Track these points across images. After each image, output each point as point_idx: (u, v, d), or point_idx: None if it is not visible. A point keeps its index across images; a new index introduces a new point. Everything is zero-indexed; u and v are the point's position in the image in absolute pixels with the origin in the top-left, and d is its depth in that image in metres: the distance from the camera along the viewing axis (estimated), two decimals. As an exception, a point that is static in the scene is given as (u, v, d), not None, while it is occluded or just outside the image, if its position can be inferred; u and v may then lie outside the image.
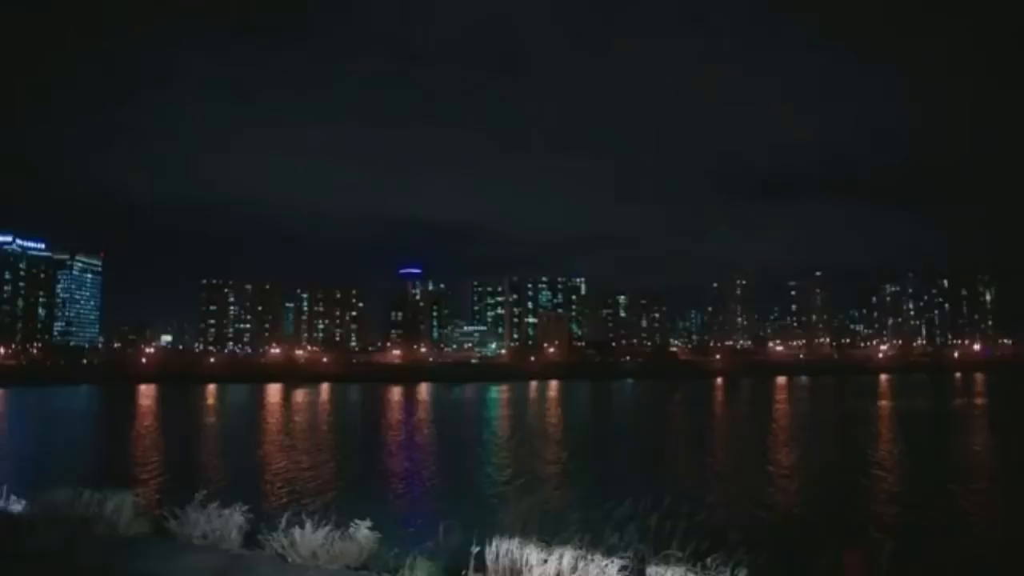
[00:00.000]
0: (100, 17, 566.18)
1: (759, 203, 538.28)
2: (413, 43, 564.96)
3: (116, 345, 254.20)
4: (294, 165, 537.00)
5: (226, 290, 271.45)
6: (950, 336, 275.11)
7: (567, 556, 9.67)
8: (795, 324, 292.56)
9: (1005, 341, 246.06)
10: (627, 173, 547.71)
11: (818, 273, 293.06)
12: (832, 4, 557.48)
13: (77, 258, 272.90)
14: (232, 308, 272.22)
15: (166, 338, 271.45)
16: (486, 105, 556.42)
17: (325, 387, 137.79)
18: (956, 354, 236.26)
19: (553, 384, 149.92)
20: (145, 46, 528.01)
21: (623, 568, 9.26)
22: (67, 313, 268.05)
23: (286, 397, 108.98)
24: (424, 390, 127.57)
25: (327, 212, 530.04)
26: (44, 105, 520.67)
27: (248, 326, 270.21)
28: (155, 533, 14.44)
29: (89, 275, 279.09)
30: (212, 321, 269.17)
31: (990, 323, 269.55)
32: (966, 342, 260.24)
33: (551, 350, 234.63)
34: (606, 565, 9.33)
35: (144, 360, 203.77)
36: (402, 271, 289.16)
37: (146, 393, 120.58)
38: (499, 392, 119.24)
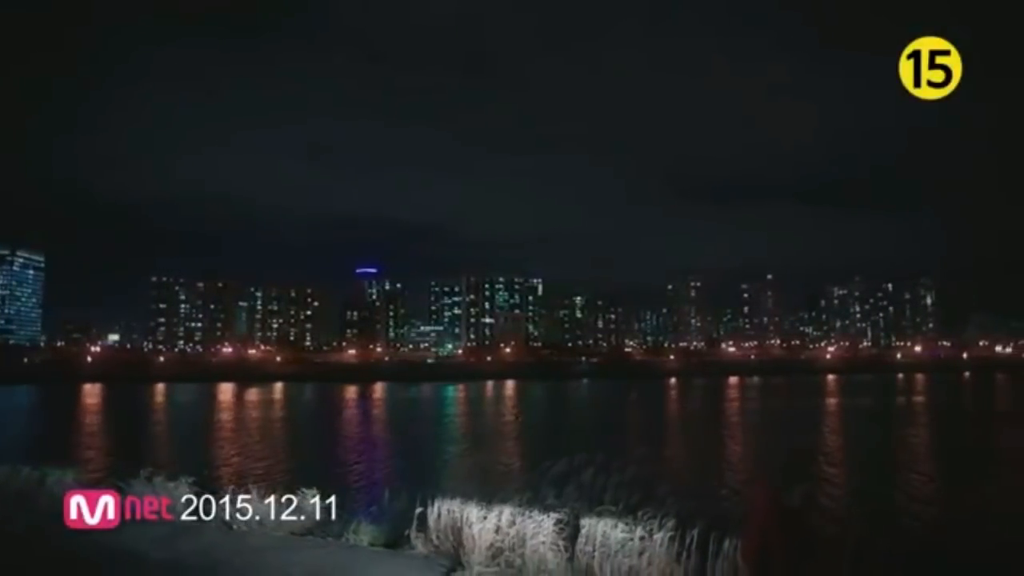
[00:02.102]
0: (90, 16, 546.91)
1: (718, 206, 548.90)
2: (382, 42, 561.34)
3: (59, 344, 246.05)
4: (258, 162, 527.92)
5: (177, 288, 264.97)
6: (893, 338, 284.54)
7: (506, 513, 10.09)
8: (747, 326, 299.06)
9: (944, 343, 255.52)
10: (589, 174, 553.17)
11: (769, 276, 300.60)
12: (790, 15, 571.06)
13: (18, 253, 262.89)
14: (183, 306, 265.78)
15: (113, 337, 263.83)
16: (454, 104, 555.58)
17: (279, 386, 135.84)
18: (899, 355, 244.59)
19: (509, 384, 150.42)
20: (115, 46, 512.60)
21: (558, 522, 9.70)
22: (6, 311, 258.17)
23: (238, 395, 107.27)
24: (379, 389, 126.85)
25: (289, 209, 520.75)
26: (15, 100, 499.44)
27: (199, 325, 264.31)
28: (98, 508, 14.31)
29: (31, 271, 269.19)
30: (162, 320, 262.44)
31: (931, 326, 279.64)
32: (908, 344, 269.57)
33: (507, 350, 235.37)
34: (542, 520, 9.78)
35: (89, 359, 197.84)
36: (358, 270, 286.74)
37: (91, 392, 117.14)
38: (455, 391, 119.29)
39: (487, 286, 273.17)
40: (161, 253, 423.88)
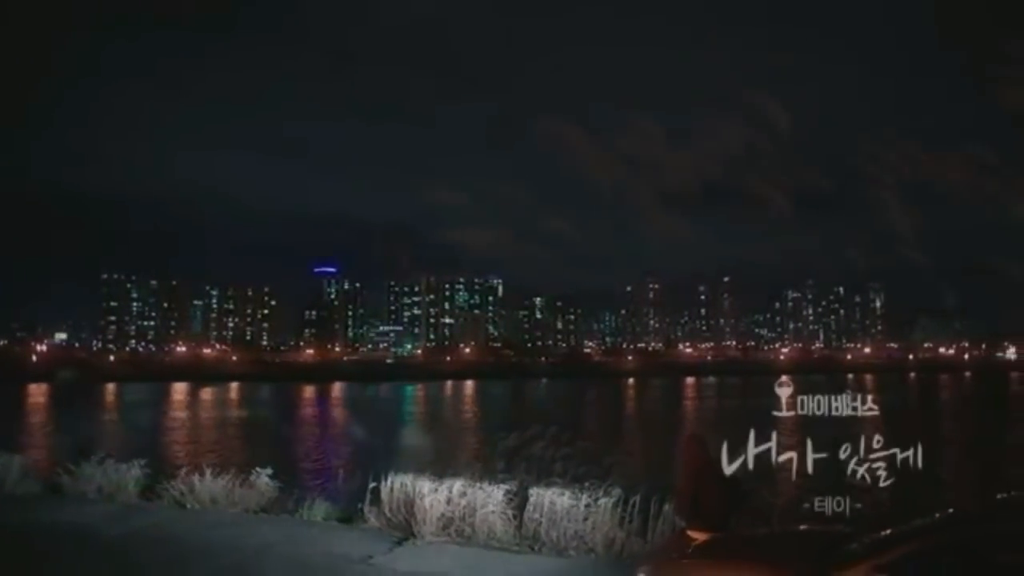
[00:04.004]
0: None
1: (680, 207, 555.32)
2: (354, 40, 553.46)
3: (2, 343, 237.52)
4: (224, 161, 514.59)
5: (128, 286, 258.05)
6: (844, 340, 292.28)
7: (457, 486, 10.41)
8: (704, 327, 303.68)
9: (892, 345, 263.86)
10: (556, 175, 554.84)
11: (726, 279, 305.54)
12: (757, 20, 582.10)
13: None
14: (135, 304, 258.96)
15: (60, 336, 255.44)
16: (426, 104, 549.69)
17: (234, 386, 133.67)
18: (849, 356, 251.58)
19: (468, 383, 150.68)
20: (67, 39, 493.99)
21: (507, 492, 10.07)
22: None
23: (193, 395, 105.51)
24: (338, 389, 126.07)
25: (252, 208, 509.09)
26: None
27: (152, 324, 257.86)
28: (48, 491, 14.24)
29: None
30: (112, 318, 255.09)
31: (879, 328, 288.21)
32: (858, 345, 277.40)
33: (467, 350, 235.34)
34: (492, 491, 10.13)
35: (34, 358, 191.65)
36: (316, 269, 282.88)
37: (36, 392, 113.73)
38: (414, 390, 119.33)
39: (447, 286, 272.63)
40: (114, 251, 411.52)
